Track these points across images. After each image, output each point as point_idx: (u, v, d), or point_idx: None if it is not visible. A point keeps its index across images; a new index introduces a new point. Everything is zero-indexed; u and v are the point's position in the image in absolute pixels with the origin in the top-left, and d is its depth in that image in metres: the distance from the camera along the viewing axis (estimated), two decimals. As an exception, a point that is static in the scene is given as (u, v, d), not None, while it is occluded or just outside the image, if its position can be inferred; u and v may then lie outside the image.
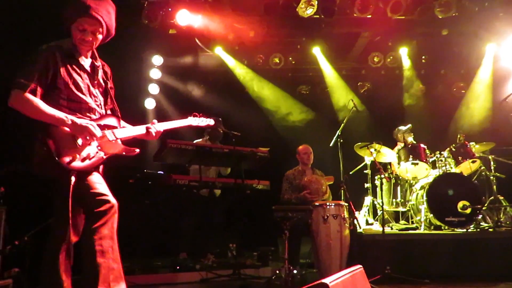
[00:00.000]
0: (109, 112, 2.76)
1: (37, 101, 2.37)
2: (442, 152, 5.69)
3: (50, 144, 2.31)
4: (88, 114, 2.56)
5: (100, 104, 2.67)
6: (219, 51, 7.38)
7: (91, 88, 2.62)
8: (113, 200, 2.44)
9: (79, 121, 2.42)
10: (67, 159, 2.32)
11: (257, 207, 5.26)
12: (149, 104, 7.42)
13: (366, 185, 6.19)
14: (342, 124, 5.28)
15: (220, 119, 4.91)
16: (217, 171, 5.73)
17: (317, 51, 7.47)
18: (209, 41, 7.10)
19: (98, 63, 2.71)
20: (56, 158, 2.29)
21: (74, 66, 2.55)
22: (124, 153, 2.61)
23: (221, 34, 6.70)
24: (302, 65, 7.79)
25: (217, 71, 7.71)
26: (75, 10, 2.48)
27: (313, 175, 5.32)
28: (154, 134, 2.75)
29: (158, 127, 2.82)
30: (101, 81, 2.72)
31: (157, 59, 7.39)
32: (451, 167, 5.57)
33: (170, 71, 7.54)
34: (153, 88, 7.45)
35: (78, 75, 2.55)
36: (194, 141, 5.29)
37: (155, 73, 7.43)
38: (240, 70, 7.64)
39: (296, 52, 7.65)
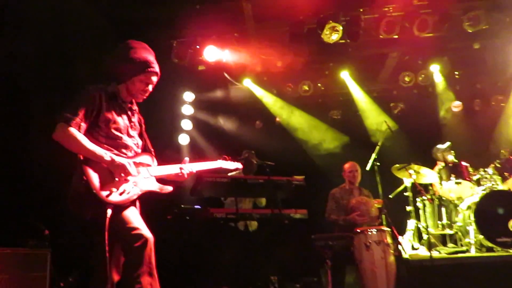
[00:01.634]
0: (144, 150, 2.85)
1: (80, 136, 2.46)
2: (486, 169, 5.52)
3: (89, 177, 2.37)
4: (124, 151, 2.64)
5: (137, 143, 2.77)
6: (248, 83, 7.49)
7: (129, 129, 2.74)
8: (148, 234, 2.45)
9: (118, 158, 2.49)
10: (104, 192, 2.37)
11: (296, 237, 5.22)
12: (183, 140, 7.53)
13: (408, 208, 5.86)
14: (377, 147, 5.20)
15: (252, 151, 4.94)
16: (253, 202, 5.72)
17: (345, 75, 7.46)
18: (238, 74, 7.24)
19: (135, 107, 2.87)
20: (95, 191, 2.34)
21: (116, 108, 2.68)
22: (158, 190, 2.67)
23: (249, 66, 6.87)
24: (331, 90, 7.82)
25: (247, 103, 7.83)
26: (142, 66, 2.66)
27: (361, 196, 5.19)
28: (186, 176, 2.84)
29: (190, 167, 2.89)
30: (137, 124, 2.84)
31: (189, 95, 7.59)
32: (498, 184, 5.36)
33: (201, 106, 7.71)
34: (186, 124, 7.58)
35: (119, 116, 2.68)
36: (229, 174, 5.40)
37: (187, 109, 7.61)
38: (270, 100, 7.74)
39: (324, 77, 7.68)
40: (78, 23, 4.87)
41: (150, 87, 2.76)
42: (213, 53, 6.27)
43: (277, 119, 7.89)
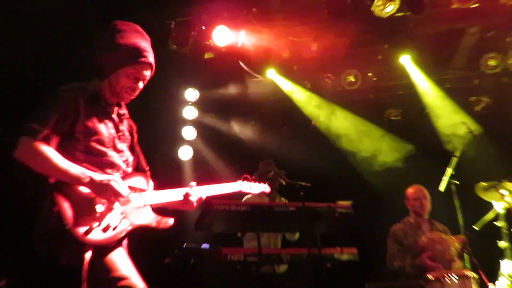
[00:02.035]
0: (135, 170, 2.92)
1: (50, 152, 2.50)
2: None
3: (61, 208, 2.39)
4: (109, 171, 2.70)
5: (127, 161, 2.85)
6: (272, 75, 7.46)
7: (116, 141, 2.81)
8: (140, 285, 2.49)
9: (99, 177, 2.53)
10: (82, 229, 2.38)
11: (343, 285, 5.19)
12: (185, 153, 7.59)
13: (501, 244, 5.59)
14: (455, 159, 5.14)
15: (283, 172, 4.98)
16: (282, 239, 5.77)
17: (406, 61, 7.39)
18: (258, 63, 7.24)
19: (124, 111, 2.95)
20: (68, 226, 2.34)
21: (99, 113, 2.75)
22: (155, 224, 2.70)
23: (273, 52, 6.91)
24: (387, 81, 7.80)
25: (271, 102, 7.91)
26: (131, 55, 2.73)
27: (433, 232, 5.17)
28: (194, 203, 2.94)
29: (199, 192, 2.96)
30: (127, 133, 2.92)
31: (191, 94, 7.61)
32: None
33: (209, 107, 7.76)
34: (189, 132, 7.64)
35: (102, 124, 2.74)
36: (245, 198, 5.42)
37: (189, 112, 7.66)
38: (302, 97, 7.74)
39: (377, 64, 7.67)
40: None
41: (141, 84, 2.82)
42: (224, 36, 6.32)
43: (313, 122, 7.97)
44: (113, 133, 2.80)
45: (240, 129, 7.94)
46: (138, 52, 2.76)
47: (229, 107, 7.84)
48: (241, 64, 7.12)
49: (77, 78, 2.87)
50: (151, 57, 2.82)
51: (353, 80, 7.64)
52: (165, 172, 5.61)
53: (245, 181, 3.51)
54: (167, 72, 6.49)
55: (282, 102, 7.78)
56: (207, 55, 6.83)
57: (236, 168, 6.75)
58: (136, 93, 2.86)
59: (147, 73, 2.82)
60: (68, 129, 2.62)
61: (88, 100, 2.72)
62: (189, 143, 7.71)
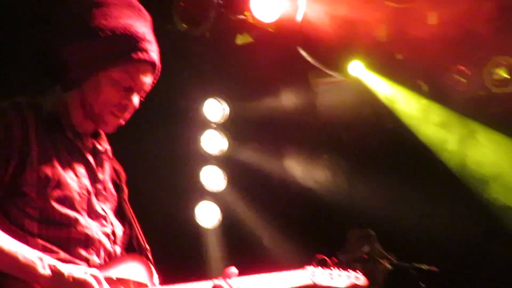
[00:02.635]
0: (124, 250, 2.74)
1: None
2: None
3: None
4: (82, 252, 2.38)
5: (113, 233, 2.49)
6: (358, 70, 6.35)
7: (93, 199, 2.45)
8: None
9: (67, 269, 2.24)
10: None
11: None
12: (207, 215, 6.37)
13: None
14: None
15: (383, 251, 4.85)
16: None
17: None
18: (333, 52, 6.16)
19: (105, 145, 2.59)
20: None
21: (62, 150, 2.41)
22: None
23: (359, 31, 6.03)
24: None
25: (356, 119, 6.60)
26: (119, 48, 2.40)
27: None
28: None
29: (237, 284, 2.69)
30: (110, 185, 2.57)
31: (215, 109, 6.44)
32: None
33: (246, 132, 6.60)
34: (212, 177, 6.42)
35: (69, 169, 2.41)
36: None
37: (213, 141, 6.43)
38: (412, 108, 6.62)
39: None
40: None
41: (136, 99, 2.43)
42: (271, 4, 5.46)
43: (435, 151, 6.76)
44: (88, 186, 2.40)
45: (304, 170, 6.51)
46: (131, 42, 2.36)
47: (282, 131, 6.66)
48: (302, 53, 5.99)
49: (22, 87, 3.26)
50: (153, 51, 2.40)
51: (506, 76, 6.36)
52: (177, 249, 5.63)
53: (320, 267, 3.03)
54: (173, 73, 5.68)
55: (376, 118, 6.61)
56: (240, 40, 5.96)
57: (301, 240, 5.96)
58: (128, 114, 2.46)
59: (147, 79, 2.41)
60: (8, 181, 2.22)
61: (42, 128, 2.32)
62: (215, 196, 6.39)
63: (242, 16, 5.57)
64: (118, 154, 2.72)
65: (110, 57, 2.38)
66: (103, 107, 2.41)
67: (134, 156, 4.91)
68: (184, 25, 5.49)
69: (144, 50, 2.39)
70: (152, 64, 2.45)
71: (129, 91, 2.41)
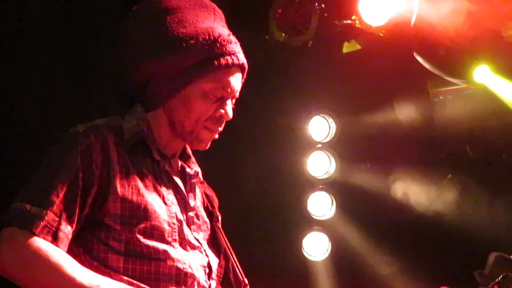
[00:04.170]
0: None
1: (60, 257, 2.12)
2: None
3: None
4: None
5: (208, 264, 2.47)
6: (482, 76, 5.68)
7: (185, 228, 2.41)
8: None
9: None
10: None
11: None
12: (315, 246, 6.02)
13: None
14: None
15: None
16: None
17: None
18: (456, 56, 5.63)
19: (195, 167, 2.58)
20: None
21: (148, 173, 2.39)
22: None
23: (486, 30, 5.50)
24: None
25: (487, 135, 6.28)
26: (206, 56, 2.39)
27: None
28: None
29: None
30: (203, 213, 2.55)
31: (321, 127, 6.09)
32: None
33: (356, 152, 6.32)
34: (320, 203, 6.05)
35: (157, 195, 2.37)
36: None
37: (319, 163, 6.08)
38: None
39: None
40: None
41: (229, 107, 2.46)
42: (382, 5, 5.23)
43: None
44: (178, 214, 2.36)
45: (426, 195, 6.11)
46: (217, 48, 2.35)
47: (396, 149, 6.33)
48: (419, 59, 5.56)
49: (100, 109, 3.40)
50: (240, 52, 2.41)
51: None
52: (280, 284, 5.62)
53: None
54: (272, 88, 6.00)
55: (504, 130, 6.10)
56: (347, 48, 5.82)
57: (428, 270, 5.78)
58: (222, 126, 2.50)
59: (238, 84, 2.44)
60: (89, 212, 2.19)
61: (124, 152, 2.31)
62: (323, 225, 6.03)
63: (348, 21, 5.31)
64: (210, 177, 2.69)
65: (197, 68, 2.35)
66: (196, 123, 2.39)
67: (229, 180, 4.85)
68: (283, 35, 5.43)
69: (231, 54, 2.38)
70: (241, 66, 2.43)
71: (221, 100, 2.40)
